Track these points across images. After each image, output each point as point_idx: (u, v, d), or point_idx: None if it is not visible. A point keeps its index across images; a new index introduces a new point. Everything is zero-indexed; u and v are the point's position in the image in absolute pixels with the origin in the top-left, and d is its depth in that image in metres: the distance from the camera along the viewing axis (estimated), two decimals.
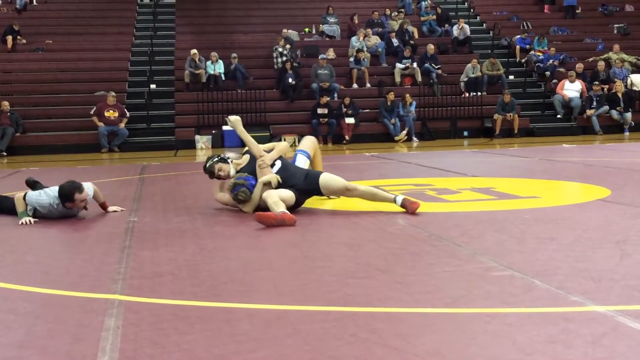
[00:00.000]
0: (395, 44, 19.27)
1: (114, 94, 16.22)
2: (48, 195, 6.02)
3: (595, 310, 3.07)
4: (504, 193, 7.01)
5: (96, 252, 4.70)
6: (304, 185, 5.97)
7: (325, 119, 16.56)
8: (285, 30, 19.19)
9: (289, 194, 5.82)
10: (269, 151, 6.19)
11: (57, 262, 4.53)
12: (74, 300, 3.49)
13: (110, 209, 6.40)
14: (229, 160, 6.20)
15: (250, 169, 6.14)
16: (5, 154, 15.29)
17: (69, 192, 5.90)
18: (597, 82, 17.81)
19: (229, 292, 3.57)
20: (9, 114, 15.72)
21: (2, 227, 5.80)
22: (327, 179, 5.99)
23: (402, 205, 5.77)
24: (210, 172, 6.25)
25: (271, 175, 5.93)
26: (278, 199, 5.64)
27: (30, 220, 5.86)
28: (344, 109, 16.60)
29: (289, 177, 5.97)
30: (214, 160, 6.22)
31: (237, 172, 6.17)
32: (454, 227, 5.16)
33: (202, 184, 7.71)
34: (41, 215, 6.01)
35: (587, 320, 2.96)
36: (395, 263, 4.11)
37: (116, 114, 15.92)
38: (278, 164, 6.10)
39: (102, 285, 3.76)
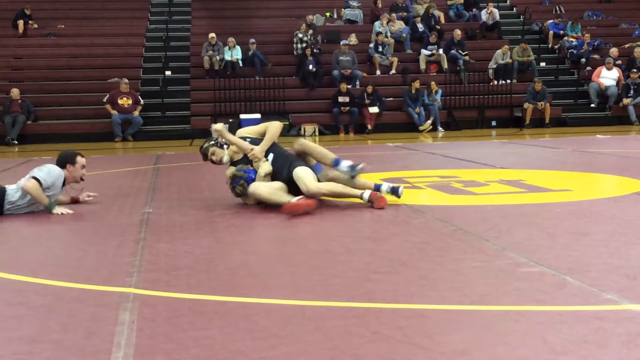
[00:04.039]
0: (420, 29, 18.88)
1: (127, 81, 16.00)
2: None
3: (631, 309, 2.99)
4: (534, 186, 6.88)
5: (110, 244, 4.63)
6: (287, 177, 5.78)
7: (347, 108, 16.18)
8: (310, 17, 18.92)
9: (277, 185, 5.70)
10: (259, 138, 6.01)
11: (70, 254, 4.47)
12: (88, 294, 3.46)
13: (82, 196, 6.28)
14: (224, 147, 6.06)
15: (247, 161, 6.01)
16: (16, 142, 15.12)
17: (71, 154, 5.87)
18: (635, 70, 17.21)
19: (247, 286, 3.51)
20: (20, 101, 15.57)
21: (13, 219, 5.68)
22: (298, 175, 5.71)
23: (369, 201, 5.66)
24: (204, 154, 6.16)
25: (267, 167, 5.81)
26: (273, 189, 5.60)
27: (67, 211, 5.68)
28: (367, 98, 16.20)
29: (278, 170, 5.83)
30: (210, 143, 6.12)
31: (234, 162, 6.06)
32: (482, 221, 5.04)
33: (218, 175, 7.65)
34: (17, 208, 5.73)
35: (622, 319, 2.88)
36: (420, 258, 4.06)
37: (130, 102, 15.74)
38: (271, 155, 5.91)
39: (116, 278, 3.71)
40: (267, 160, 5.85)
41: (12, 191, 5.71)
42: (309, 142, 6.01)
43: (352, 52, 17.45)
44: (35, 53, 18.20)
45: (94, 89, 16.66)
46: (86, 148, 13.60)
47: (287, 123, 16.20)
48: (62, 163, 5.80)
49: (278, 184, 5.72)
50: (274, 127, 6.00)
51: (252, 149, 5.84)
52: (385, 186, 5.84)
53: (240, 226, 5.20)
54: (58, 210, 5.65)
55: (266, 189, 5.62)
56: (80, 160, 5.85)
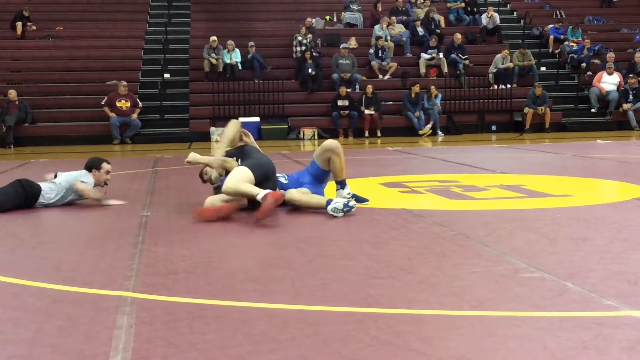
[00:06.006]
0: (420, 33, 18.82)
1: (125, 83, 15.92)
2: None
3: (631, 315, 2.98)
4: (535, 191, 6.83)
5: (108, 247, 4.62)
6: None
7: (346, 112, 16.10)
8: (309, 19, 18.79)
9: (245, 173, 5.58)
10: (231, 147, 6.19)
11: (68, 258, 4.42)
12: (86, 297, 3.44)
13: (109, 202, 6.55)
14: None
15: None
16: (12, 144, 14.97)
17: (98, 160, 6.35)
18: (632, 75, 17.12)
19: (246, 291, 3.49)
20: (17, 103, 15.46)
21: (11, 221, 5.74)
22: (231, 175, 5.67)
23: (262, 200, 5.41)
24: (201, 179, 6.38)
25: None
26: (237, 179, 5.46)
27: (120, 202, 6.29)
28: (365, 101, 16.13)
29: None
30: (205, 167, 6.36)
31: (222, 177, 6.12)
32: (482, 226, 5.01)
33: None
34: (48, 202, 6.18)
35: (622, 325, 2.87)
36: (420, 263, 4.03)
37: (128, 105, 15.68)
38: (239, 160, 5.92)
39: (114, 282, 3.70)
40: (238, 163, 5.88)
41: (47, 189, 6.18)
42: (294, 195, 5.75)
43: (352, 56, 17.36)
44: (33, 55, 18.09)
45: (92, 91, 16.55)
46: (84, 151, 13.59)
47: (287, 127, 16.19)
48: (88, 167, 6.31)
49: (245, 173, 5.59)
50: (226, 131, 6.10)
51: (223, 160, 5.94)
52: (333, 205, 5.49)
53: (238, 230, 5.16)
54: (111, 202, 6.24)
55: (232, 179, 5.49)
56: (105, 166, 6.32)
